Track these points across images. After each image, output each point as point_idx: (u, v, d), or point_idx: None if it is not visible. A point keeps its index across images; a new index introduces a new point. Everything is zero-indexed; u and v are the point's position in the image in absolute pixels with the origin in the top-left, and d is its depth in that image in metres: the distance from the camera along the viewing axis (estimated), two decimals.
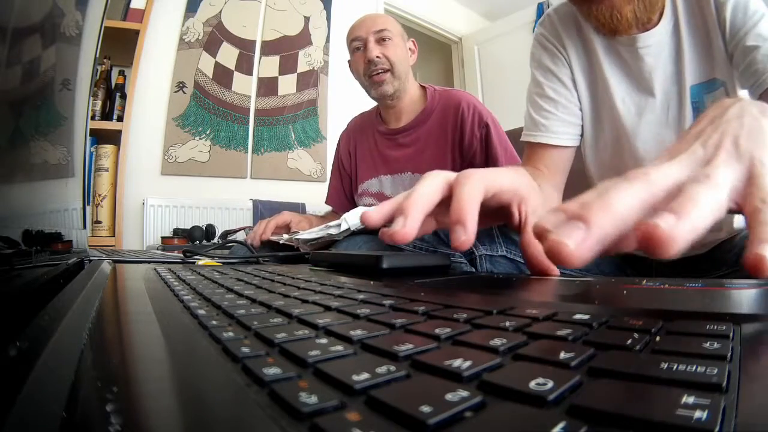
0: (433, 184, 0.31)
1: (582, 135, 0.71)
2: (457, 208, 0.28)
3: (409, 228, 0.28)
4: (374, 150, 1.14)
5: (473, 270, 0.56)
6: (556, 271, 0.34)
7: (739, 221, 0.65)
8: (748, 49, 0.55)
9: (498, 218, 0.37)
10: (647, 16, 0.59)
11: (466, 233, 0.28)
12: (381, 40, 1.03)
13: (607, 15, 0.59)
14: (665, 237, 0.19)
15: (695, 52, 0.61)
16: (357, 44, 1.05)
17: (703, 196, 0.21)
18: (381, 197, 1.10)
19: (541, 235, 0.21)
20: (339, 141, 1.25)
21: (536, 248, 0.34)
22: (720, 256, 0.64)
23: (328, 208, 1.28)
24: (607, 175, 0.77)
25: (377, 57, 1.02)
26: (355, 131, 1.21)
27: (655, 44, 0.61)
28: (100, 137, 1.89)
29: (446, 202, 0.31)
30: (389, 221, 0.31)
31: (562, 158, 0.70)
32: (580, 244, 0.20)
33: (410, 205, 0.29)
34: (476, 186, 0.30)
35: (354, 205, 1.16)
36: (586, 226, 0.20)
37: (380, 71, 1.02)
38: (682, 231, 0.19)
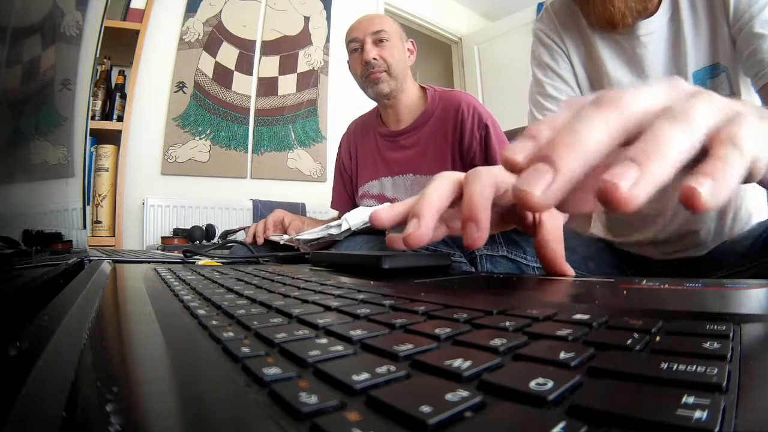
0: (443, 185, 0.30)
1: None
2: (468, 204, 0.28)
3: (423, 230, 0.27)
4: (375, 152, 1.14)
5: (473, 270, 0.56)
6: (571, 272, 0.34)
7: (741, 222, 0.64)
8: (754, 35, 0.54)
9: (509, 221, 0.36)
10: (642, 5, 0.59)
11: (479, 230, 0.27)
12: (378, 42, 1.03)
13: (600, 7, 0.59)
14: (625, 198, 0.17)
15: (698, 36, 0.60)
16: (354, 45, 1.05)
17: (672, 139, 0.19)
18: (382, 199, 1.10)
19: (511, 165, 0.21)
20: (340, 144, 1.25)
21: (552, 251, 0.34)
22: (720, 258, 0.64)
23: (330, 209, 1.28)
24: None
25: (374, 59, 1.02)
26: (355, 133, 1.21)
27: (656, 31, 0.61)
28: (100, 137, 1.89)
29: (457, 205, 0.30)
30: (399, 224, 0.31)
31: None
32: (546, 190, 0.19)
33: (423, 207, 0.28)
34: (486, 182, 0.29)
35: None
36: (553, 170, 0.19)
37: (376, 72, 1.03)
38: (643, 189, 0.18)
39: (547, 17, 0.71)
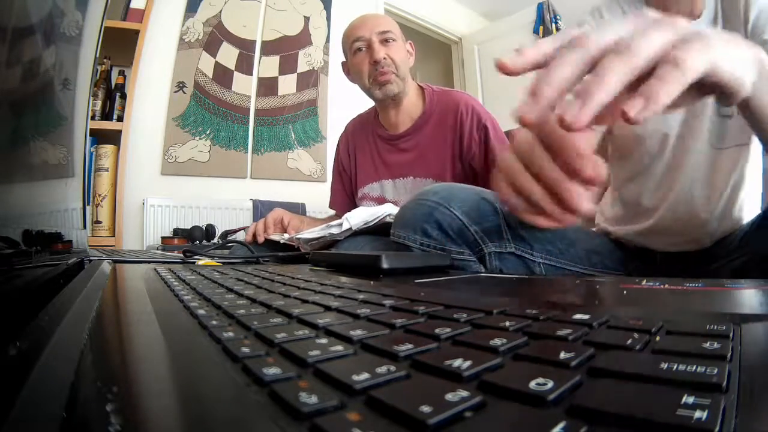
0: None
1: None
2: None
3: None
4: (375, 154, 1.13)
5: (482, 268, 0.56)
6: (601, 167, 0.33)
7: (741, 215, 0.65)
8: (765, 43, 0.56)
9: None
10: (688, 8, 0.61)
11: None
12: (385, 42, 1.01)
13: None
14: (570, 124, 0.25)
15: None
16: (359, 45, 1.02)
17: (612, 71, 0.25)
18: (382, 201, 1.09)
19: (524, 122, 0.29)
20: (338, 144, 1.24)
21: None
22: (721, 249, 0.64)
23: (329, 210, 1.27)
24: (625, 165, 0.77)
25: (384, 58, 0.99)
26: (354, 133, 1.20)
27: None
28: (100, 137, 1.89)
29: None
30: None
31: None
32: (579, 115, 0.25)
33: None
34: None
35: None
36: (584, 102, 0.25)
37: (387, 72, 1.01)
38: (584, 115, 0.25)
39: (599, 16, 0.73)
